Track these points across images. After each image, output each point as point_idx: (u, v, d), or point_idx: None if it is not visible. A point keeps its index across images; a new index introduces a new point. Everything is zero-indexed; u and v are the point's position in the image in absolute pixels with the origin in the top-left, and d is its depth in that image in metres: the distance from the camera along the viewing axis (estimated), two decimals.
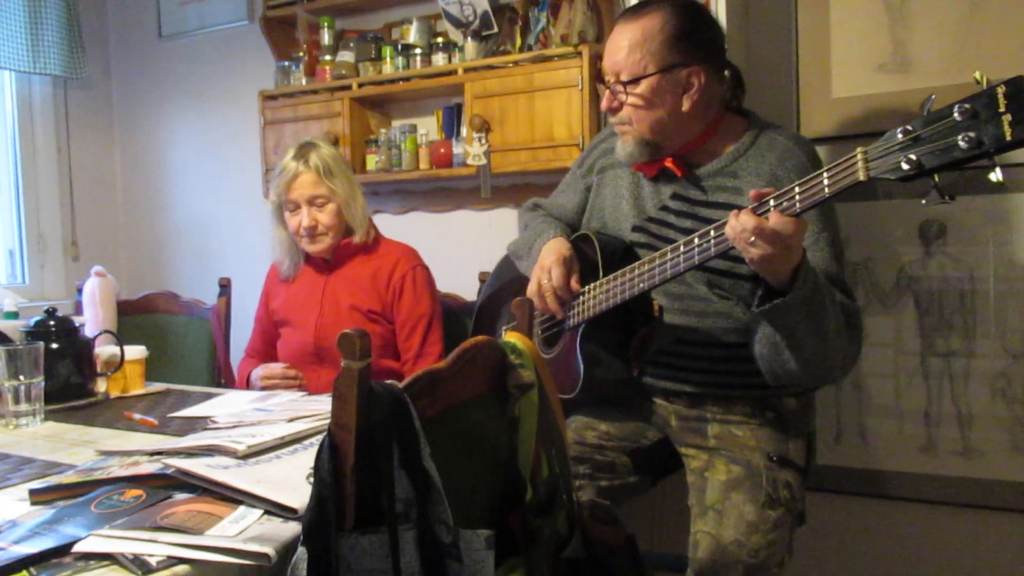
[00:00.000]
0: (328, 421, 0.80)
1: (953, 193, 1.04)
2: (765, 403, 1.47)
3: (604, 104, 1.48)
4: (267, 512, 0.92)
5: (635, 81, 1.41)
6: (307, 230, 1.90)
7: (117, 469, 1.08)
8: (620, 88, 1.43)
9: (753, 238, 1.14)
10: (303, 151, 1.93)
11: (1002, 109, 0.96)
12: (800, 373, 1.29)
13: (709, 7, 1.87)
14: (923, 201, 1.05)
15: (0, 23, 2.79)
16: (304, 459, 1.10)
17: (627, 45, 1.41)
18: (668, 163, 1.46)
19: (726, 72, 1.49)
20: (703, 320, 1.44)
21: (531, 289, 1.52)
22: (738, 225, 1.16)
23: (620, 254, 1.50)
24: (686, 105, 1.41)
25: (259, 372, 1.93)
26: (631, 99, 1.42)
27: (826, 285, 1.26)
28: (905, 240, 1.92)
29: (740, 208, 1.20)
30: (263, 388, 1.91)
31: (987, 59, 1.81)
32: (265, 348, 2.07)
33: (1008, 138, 0.96)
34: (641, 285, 1.36)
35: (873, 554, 1.99)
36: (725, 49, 1.49)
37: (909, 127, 1.03)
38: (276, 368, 1.93)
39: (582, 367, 1.46)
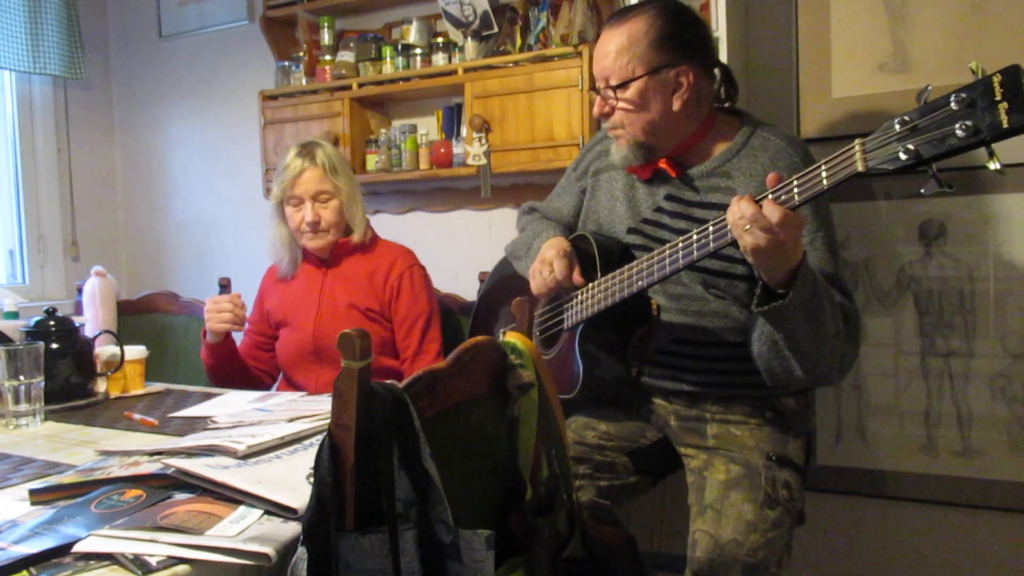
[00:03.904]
0: (328, 421, 0.80)
1: (951, 183, 1.04)
2: (764, 403, 1.47)
3: (596, 110, 1.48)
4: (267, 512, 0.92)
5: (624, 85, 1.41)
6: (310, 225, 1.90)
7: (117, 469, 1.08)
8: (610, 93, 1.44)
9: (749, 225, 1.14)
10: (308, 148, 1.94)
11: (998, 97, 0.97)
12: (798, 373, 1.30)
13: (710, 8, 1.87)
14: (922, 191, 1.05)
15: (0, 23, 2.79)
16: (304, 459, 1.10)
17: (614, 50, 1.41)
18: (662, 164, 1.46)
19: (716, 71, 1.49)
20: (701, 320, 1.44)
21: (534, 284, 1.52)
22: (737, 211, 1.16)
23: (617, 254, 1.50)
24: (676, 105, 1.41)
25: (205, 308, 1.91)
26: (621, 103, 1.43)
27: (825, 286, 1.26)
28: (905, 240, 1.92)
29: None
30: (211, 324, 1.88)
31: (987, 59, 1.79)
32: (250, 350, 2.07)
33: (1005, 126, 0.97)
34: (640, 283, 1.36)
35: (873, 554, 1.99)
36: (714, 48, 1.49)
37: (906, 117, 1.04)
38: (221, 298, 1.90)
39: (581, 367, 1.46)
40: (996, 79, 0.97)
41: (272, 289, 2.07)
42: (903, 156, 1.03)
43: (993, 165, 1.00)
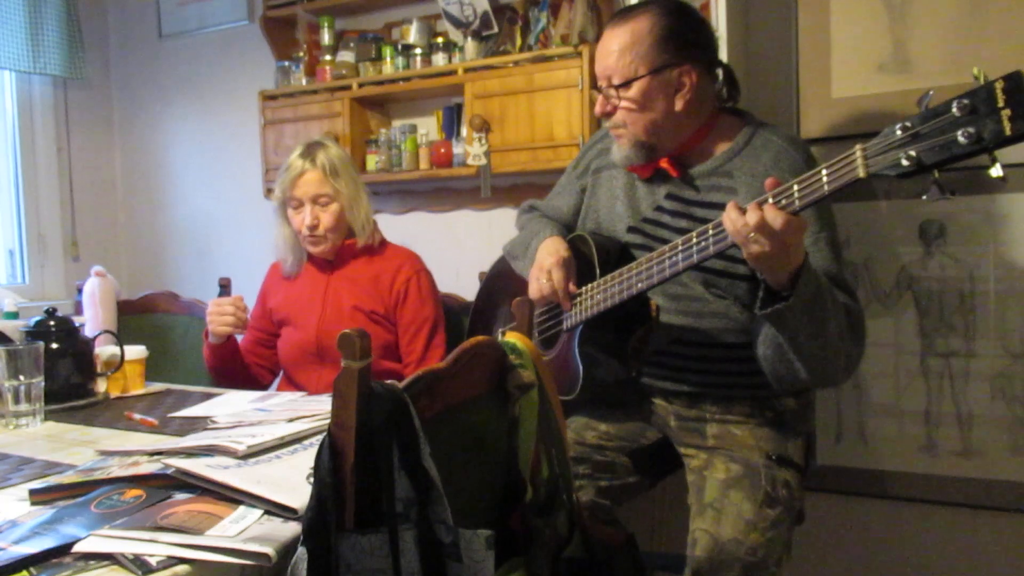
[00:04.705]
0: (328, 421, 0.80)
1: (954, 189, 1.04)
2: (764, 403, 1.47)
3: (598, 109, 1.48)
4: (267, 512, 0.92)
5: (627, 84, 1.41)
6: (309, 228, 1.90)
7: (117, 469, 1.08)
8: (612, 92, 1.43)
9: (753, 233, 1.14)
10: (310, 149, 1.92)
11: (1001, 104, 0.97)
12: (803, 375, 1.29)
13: (710, 7, 1.87)
14: (923, 197, 1.05)
15: (0, 23, 2.79)
16: (304, 459, 1.10)
17: (617, 49, 1.41)
18: (663, 163, 1.46)
19: (718, 71, 1.49)
20: (700, 320, 1.44)
21: (532, 291, 1.52)
22: (740, 219, 1.16)
23: (616, 255, 1.50)
24: (679, 105, 1.41)
25: (207, 310, 1.91)
26: (624, 102, 1.43)
27: (828, 287, 1.26)
28: (905, 240, 1.92)
29: None
30: (212, 326, 1.89)
31: (987, 59, 1.81)
32: (252, 347, 2.07)
33: (1007, 133, 0.96)
34: (640, 285, 1.36)
35: (873, 554, 1.99)
36: (716, 47, 1.49)
37: (908, 123, 1.03)
38: (223, 301, 1.90)
39: (581, 368, 1.46)
40: (999, 85, 0.97)
41: (276, 287, 2.07)
42: (904, 162, 1.03)
43: (995, 172, 1.00)
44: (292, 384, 1.99)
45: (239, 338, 2.04)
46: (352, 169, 1.97)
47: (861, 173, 1.07)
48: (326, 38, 2.67)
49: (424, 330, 1.93)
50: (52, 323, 1.64)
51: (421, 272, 1.98)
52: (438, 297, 2.01)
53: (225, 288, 2.30)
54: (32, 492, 1.01)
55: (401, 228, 2.68)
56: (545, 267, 1.49)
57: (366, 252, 1.97)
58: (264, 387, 2.07)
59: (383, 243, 2.02)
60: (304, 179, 1.89)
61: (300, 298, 1.99)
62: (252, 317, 2.08)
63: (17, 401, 1.43)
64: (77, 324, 1.72)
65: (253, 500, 0.94)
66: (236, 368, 1.99)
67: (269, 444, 1.15)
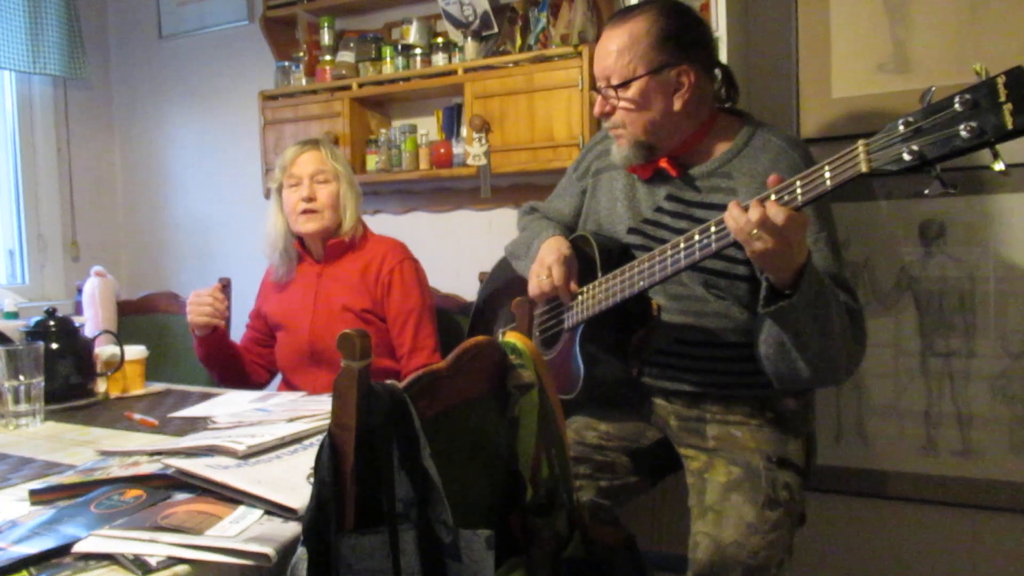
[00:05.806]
0: (328, 421, 0.80)
1: (955, 183, 1.04)
2: (764, 404, 1.47)
3: (597, 109, 1.48)
4: (267, 512, 0.92)
5: (625, 84, 1.41)
6: (305, 201, 1.92)
7: (117, 469, 1.08)
8: (611, 92, 1.44)
9: (756, 230, 1.14)
10: (310, 140, 2.03)
11: (1003, 99, 0.97)
12: (806, 374, 1.29)
13: (710, 8, 1.87)
14: (926, 192, 1.06)
15: (0, 23, 2.80)
16: (304, 459, 1.10)
17: (615, 49, 1.42)
18: (663, 163, 1.46)
19: (716, 71, 1.49)
20: (701, 320, 1.44)
21: (531, 287, 1.52)
22: (743, 217, 1.16)
23: (617, 254, 1.50)
24: (677, 105, 1.41)
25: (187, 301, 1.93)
26: (623, 103, 1.43)
27: (830, 285, 1.26)
28: (905, 240, 1.92)
29: None
30: (190, 316, 1.89)
31: (987, 59, 1.78)
32: (248, 344, 2.08)
33: (1009, 127, 0.97)
34: (641, 283, 1.36)
35: (873, 554, 1.99)
36: (714, 48, 1.50)
37: (910, 118, 1.04)
38: (202, 292, 1.92)
39: (582, 367, 1.46)
40: (1000, 80, 0.98)
41: (269, 292, 2.07)
42: (907, 157, 1.04)
43: (998, 166, 1.00)
44: (290, 387, 1.99)
45: (234, 333, 2.05)
46: (347, 163, 2.05)
47: (864, 168, 1.07)
48: (326, 38, 2.67)
49: (411, 321, 1.93)
50: (52, 323, 1.64)
51: (405, 261, 1.97)
52: (425, 286, 2.01)
53: (224, 288, 2.31)
54: (32, 492, 1.01)
55: (401, 228, 2.68)
56: (545, 263, 1.50)
57: (351, 248, 1.99)
58: (260, 384, 2.08)
59: (366, 235, 2.03)
60: (303, 158, 1.97)
61: (292, 302, 1.99)
62: (249, 315, 2.10)
63: (17, 401, 1.44)
64: (77, 324, 1.72)
65: (253, 500, 0.94)
66: (226, 358, 2.00)
67: (269, 444, 1.15)
